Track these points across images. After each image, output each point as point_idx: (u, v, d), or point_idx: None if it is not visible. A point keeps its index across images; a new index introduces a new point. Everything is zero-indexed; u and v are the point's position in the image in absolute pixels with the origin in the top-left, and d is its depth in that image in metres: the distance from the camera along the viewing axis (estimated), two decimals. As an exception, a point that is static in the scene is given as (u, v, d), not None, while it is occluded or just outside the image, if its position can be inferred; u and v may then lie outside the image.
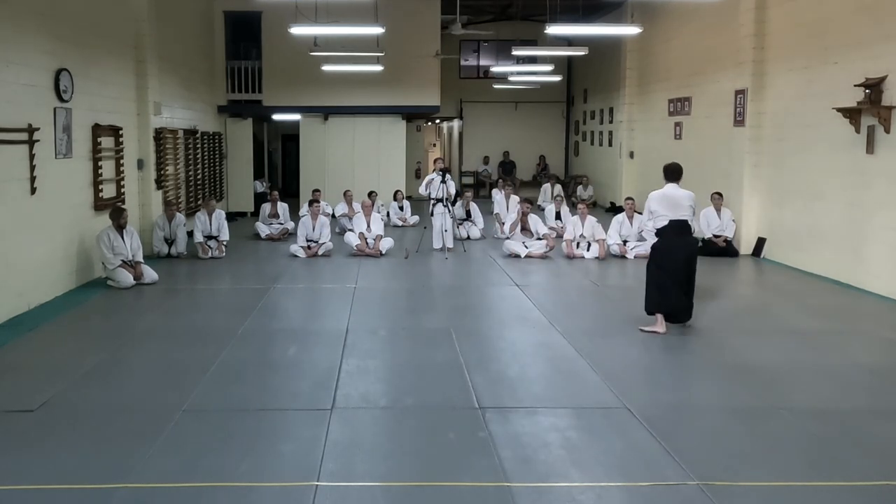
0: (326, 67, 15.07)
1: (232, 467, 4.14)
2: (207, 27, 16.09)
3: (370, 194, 13.62)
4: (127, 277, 9.01)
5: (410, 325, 7.63)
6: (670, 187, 7.13)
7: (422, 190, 12.24)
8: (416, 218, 15.37)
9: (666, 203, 7.03)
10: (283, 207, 13.95)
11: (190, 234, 11.81)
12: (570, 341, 6.71)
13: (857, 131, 8.99)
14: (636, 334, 7.03)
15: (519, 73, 18.61)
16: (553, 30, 10.78)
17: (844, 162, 9.34)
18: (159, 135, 11.78)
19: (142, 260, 9.37)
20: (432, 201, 12.00)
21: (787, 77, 10.64)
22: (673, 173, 7.17)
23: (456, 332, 6.98)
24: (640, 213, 12.13)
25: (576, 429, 4.75)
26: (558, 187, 17.41)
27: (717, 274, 10.20)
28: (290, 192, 18.46)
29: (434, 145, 25.74)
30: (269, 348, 6.57)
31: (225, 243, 11.58)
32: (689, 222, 7.05)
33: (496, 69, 18.70)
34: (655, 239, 7.15)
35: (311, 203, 12.18)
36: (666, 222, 6.98)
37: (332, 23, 12.05)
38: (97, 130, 9.71)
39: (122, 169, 10.51)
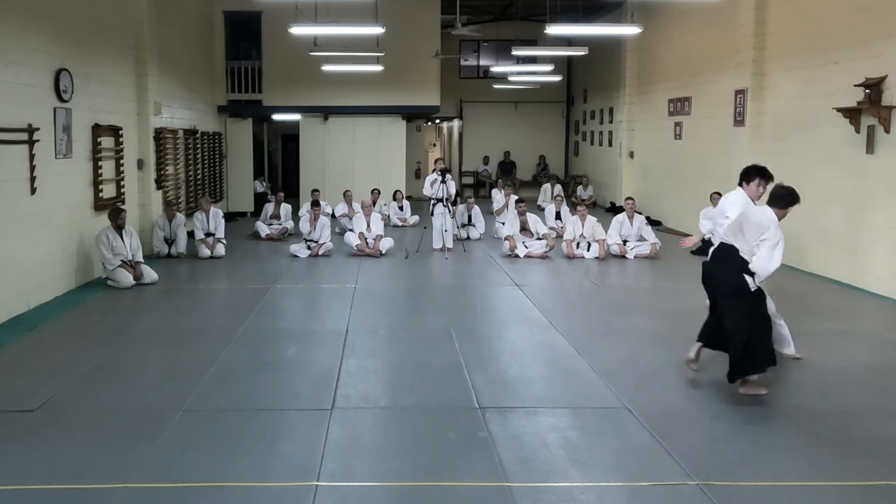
0: (326, 67, 15.07)
1: (232, 467, 4.14)
2: (207, 27, 16.09)
3: (373, 192, 13.59)
4: (127, 277, 9.01)
5: (410, 325, 7.62)
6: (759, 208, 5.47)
7: (426, 191, 12.20)
8: (416, 218, 15.36)
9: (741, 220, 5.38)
10: (286, 208, 13.97)
11: (190, 234, 11.81)
12: (570, 341, 6.71)
13: (857, 131, 8.99)
14: (636, 334, 7.03)
15: (519, 73, 18.60)
16: (553, 30, 10.78)
17: (844, 162, 9.34)
18: (159, 135, 11.78)
19: (141, 260, 9.37)
20: (432, 201, 11.99)
21: (787, 77, 10.64)
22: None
23: (456, 332, 6.98)
24: (640, 214, 12.19)
25: (576, 429, 4.75)
26: (558, 187, 17.41)
27: (717, 274, 10.22)
28: (290, 192, 18.41)
29: (434, 145, 25.72)
30: (270, 348, 6.57)
31: (223, 240, 11.57)
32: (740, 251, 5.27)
33: (496, 69, 18.69)
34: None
35: (312, 205, 12.17)
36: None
37: (332, 23, 12.05)
38: (97, 130, 9.71)
39: (122, 169, 10.50)
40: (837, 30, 9.48)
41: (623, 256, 11.34)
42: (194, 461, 4.22)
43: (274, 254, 11.80)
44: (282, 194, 14.42)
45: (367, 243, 11.54)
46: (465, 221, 13.42)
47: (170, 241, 11.29)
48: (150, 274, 9.29)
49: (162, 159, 12.00)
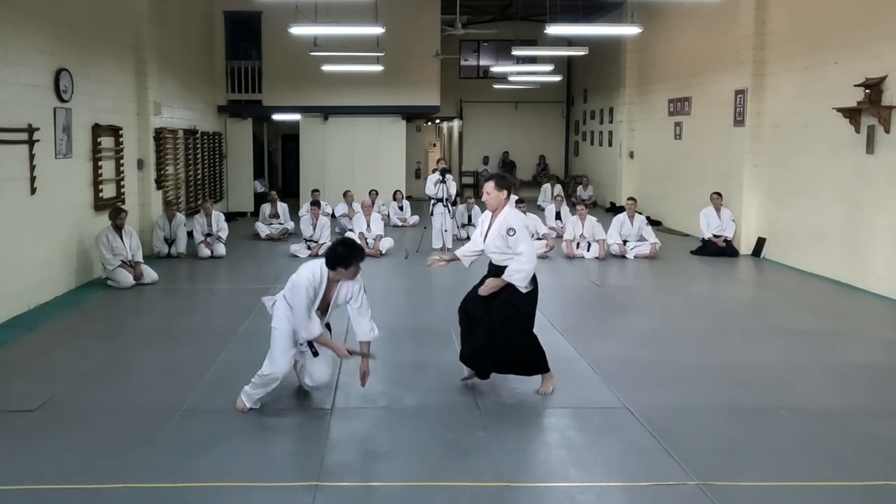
0: (326, 67, 15.07)
1: (232, 467, 4.14)
2: (207, 27, 16.10)
3: (370, 193, 13.61)
4: (127, 277, 9.01)
5: (410, 325, 7.62)
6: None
7: (429, 191, 12.21)
8: (416, 218, 15.37)
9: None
10: (282, 207, 13.96)
11: (190, 234, 11.81)
12: (570, 341, 6.70)
13: (857, 131, 8.99)
14: (636, 334, 7.02)
15: (519, 73, 18.62)
16: (553, 30, 10.79)
17: (844, 162, 9.34)
18: (159, 135, 11.78)
19: (141, 260, 9.36)
20: (432, 201, 12.00)
21: (787, 77, 10.64)
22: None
23: (456, 333, 6.94)
24: (640, 214, 12.19)
25: (576, 429, 4.75)
26: (558, 187, 17.39)
27: (717, 274, 10.23)
28: (289, 192, 18.46)
29: (434, 145, 25.72)
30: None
31: (222, 238, 11.57)
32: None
33: (496, 69, 18.70)
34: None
35: (312, 205, 12.18)
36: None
37: (332, 23, 12.05)
38: (97, 130, 9.70)
39: (122, 169, 10.50)
40: (837, 30, 9.48)
41: (623, 256, 11.34)
42: (194, 461, 4.22)
43: (274, 254, 11.80)
44: (274, 193, 14.42)
45: (367, 243, 11.54)
46: (465, 221, 13.44)
47: (170, 241, 11.28)
48: (150, 274, 9.29)
49: (162, 159, 12.00)
